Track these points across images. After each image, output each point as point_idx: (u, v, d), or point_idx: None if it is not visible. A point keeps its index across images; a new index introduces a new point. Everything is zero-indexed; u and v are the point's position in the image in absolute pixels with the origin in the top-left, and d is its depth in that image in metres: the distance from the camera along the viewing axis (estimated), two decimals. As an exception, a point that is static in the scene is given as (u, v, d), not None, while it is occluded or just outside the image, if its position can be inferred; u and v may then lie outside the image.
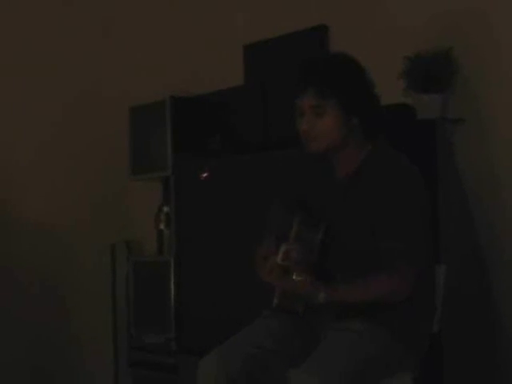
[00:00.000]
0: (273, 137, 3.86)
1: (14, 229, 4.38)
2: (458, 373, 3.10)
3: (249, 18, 4.18)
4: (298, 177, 2.65)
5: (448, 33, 3.32)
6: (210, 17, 4.39)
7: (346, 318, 2.42)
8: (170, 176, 4.17)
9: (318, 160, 2.57)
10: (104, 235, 4.54)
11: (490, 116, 3.26)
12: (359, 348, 2.34)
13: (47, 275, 4.43)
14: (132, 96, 4.56)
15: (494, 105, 3.25)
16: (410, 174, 2.43)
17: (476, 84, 3.28)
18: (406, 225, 2.37)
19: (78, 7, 4.60)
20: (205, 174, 3.67)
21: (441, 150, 3.18)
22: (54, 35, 4.52)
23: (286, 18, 3.97)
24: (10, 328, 4.29)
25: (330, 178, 2.54)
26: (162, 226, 4.36)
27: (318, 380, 2.21)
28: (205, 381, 2.42)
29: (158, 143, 4.25)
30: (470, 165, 3.27)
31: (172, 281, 4.08)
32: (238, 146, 3.91)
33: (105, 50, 4.67)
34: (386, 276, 2.36)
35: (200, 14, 4.45)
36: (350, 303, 2.39)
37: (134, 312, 4.37)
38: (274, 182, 3.46)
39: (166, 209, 4.31)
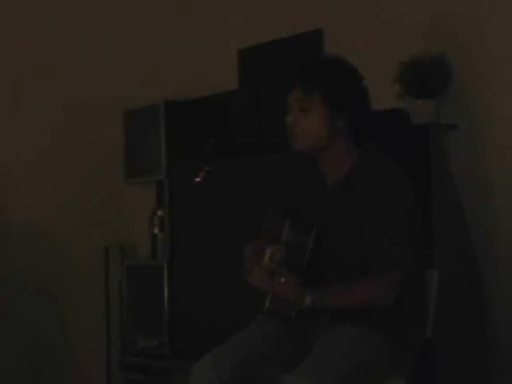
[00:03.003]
0: (267, 140, 3.86)
1: (8, 231, 4.37)
2: (451, 378, 3.10)
3: (244, 22, 4.19)
4: (289, 184, 2.66)
5: (442, 38, 3.33)
6: (204, 21, 4.39)
7: (339, 322, 2.42)
8: (164, 179, 4.17)
9: (308, 166, 2.57)
10: (98, 238, 4.54)
11: (483, 122, 3.27)
12: (352, 353, 2.34)
13: (41, 278, 4.42)
14: (126, 99, 4.55)
15: (487, 110, 3.26)
16: (397, 180, 2.42)
17: (470, 90, 3.28)
18: (393, 232, 2.36)
19: (74, 11, 4.60)
20: (198, 179, 3.67)
21: (434, 156, 3.18)
22: (50, 39, 4.52)
23: (281, 22, 3.98)
24: (3, 330, 4.28)
25: (320, 185, 2.54)
26: (155, 230, 4.35)
27: (311, 385, 2.22)
28: (198, 385, 2.43)
29: (152, 147, 4.25)
30: (464, 170, 3.27)
31: (165, 284, 4.08)
32: (232, 150, 3.91)
33: (99, 54, 4.66)
34: (372, 282, 2.36)
35: (195, 17, 4.45)
36: (337, 308, 2.40)
37: (127, 315, 4.37)
38: (268, 185, 3.46)
39: (159, 212, 4.31)
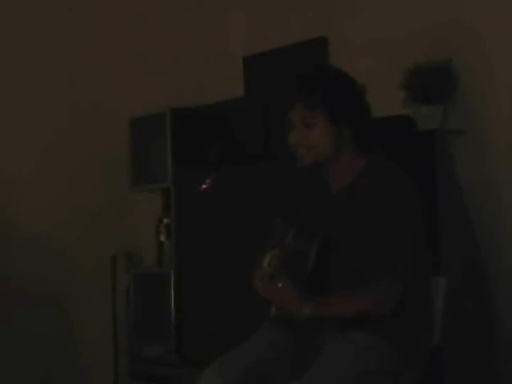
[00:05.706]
0: (273, 148, 3.87)
1: (14, 240, 4.38)
2: (459, 384, 3.09)
3: (249, 29, 4.20)
4: (294, 192, 2.66)
5: (447, 45, 3.33)
6: (210, 28, 4.40)
7: (347, 329, 2.41)
8: (171, 187, 4.18)
9: (312, 175, 2.57)
10: (104, 247, 4.54)
11: (489, 127, 3.27)
12: (359, 360, 2.33)
13: (47, 287, 4.42)
14: (132, 107, 4.56)
15: (493, 116, 3.26)
16: (402, 188, 2.41)
17: (475, 95, 3.28)
18: (392, 240, 2.35)
19: (78, 17, 4.61)
20: (205, 186, 3.68)
21: (440, 162, 3.18)
22: (56, 45, 4.53)
23: (286, 29, 3.98)
24: (10, 339, 4.28)
25: (325, 193, 2.54)
26: (162, 238, 4.36)
27: (319, 392, 2.22)
28: (205, 393, 2.42)
29: (158, 154, 4.25)
30: (470, 176, 3.27)
31: (172, 292, 4.08)
32: (238, 158, 3.91)
33: (105, 61, 4.68)
34: (369, 290, 2.35)
35: (200, 25, 4.46)
36: (334, 317, 2.39)
37: (134, 324, 4.37)
38: (273, 193, 3.46)
39: (166, 220, 4.31)
